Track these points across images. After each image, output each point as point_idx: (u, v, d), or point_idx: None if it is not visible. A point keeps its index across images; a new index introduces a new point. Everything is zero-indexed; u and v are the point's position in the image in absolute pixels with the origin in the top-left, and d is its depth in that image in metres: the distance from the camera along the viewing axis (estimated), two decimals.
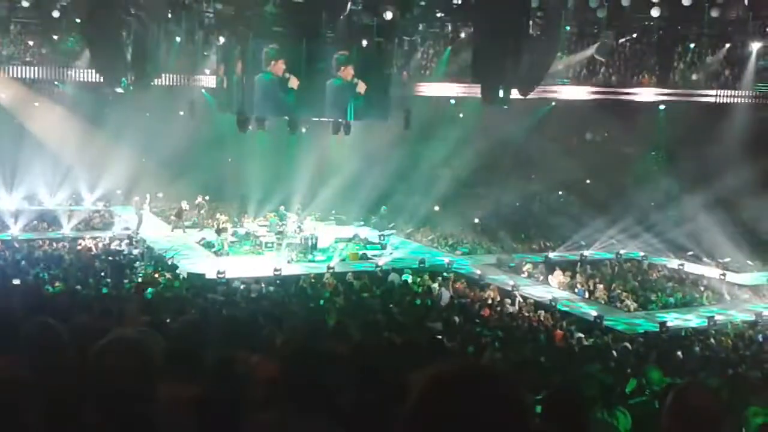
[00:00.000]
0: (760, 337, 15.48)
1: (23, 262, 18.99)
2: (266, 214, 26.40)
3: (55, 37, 26.42)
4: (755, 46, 25.86)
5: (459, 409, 1.54)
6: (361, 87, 20.82)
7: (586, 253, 24.21)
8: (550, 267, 22.23)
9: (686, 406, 2.58)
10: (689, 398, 2.62)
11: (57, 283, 15.92)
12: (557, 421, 3.35)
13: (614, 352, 13.45)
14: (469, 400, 1.55)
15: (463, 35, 26.71)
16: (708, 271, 22.57)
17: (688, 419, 2.55)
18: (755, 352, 14.08)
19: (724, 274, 21.61)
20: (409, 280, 19.80)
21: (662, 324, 16.14)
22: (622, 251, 24.38)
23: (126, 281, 17.67)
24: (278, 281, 18.76)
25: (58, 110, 28.68)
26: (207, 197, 28.12)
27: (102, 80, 24.22)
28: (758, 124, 25.91)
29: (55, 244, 22.05)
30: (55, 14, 24.55)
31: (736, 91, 26.97)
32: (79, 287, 15.40)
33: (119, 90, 24.38)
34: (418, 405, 1.59)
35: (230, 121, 22.80)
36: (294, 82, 19.60)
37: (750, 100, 27.00)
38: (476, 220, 29.45)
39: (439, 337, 12.19)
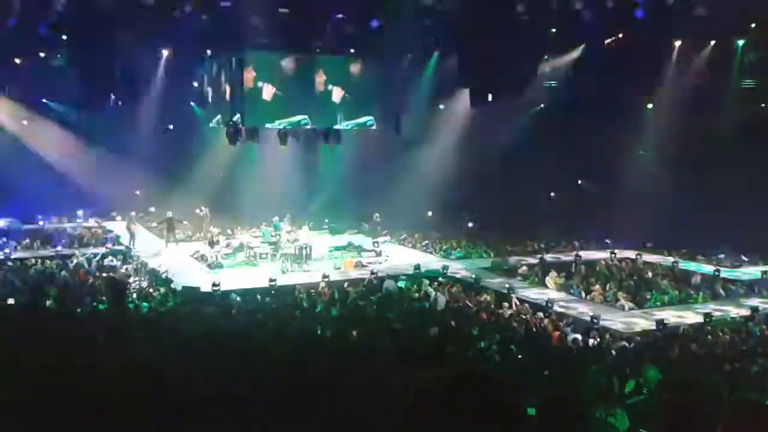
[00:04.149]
0: (756, 332, 15.52)
1: (16, 282, 18.88)
2: (264, 222, 26.31)
3: (43, 54, 26.35)
4: (740, 43, 26.06)
5: (456, 413, 1.55)
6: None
7: (580, 253, 24.26)
8: (545, 269, 22.26)
9: (683, 404, 2.59)
10: (686, 396, 2.63)
11: (50, 302, 15.80)
12: (555, 423, 3.35)
13: (611, 352, 13.47)
14: (467, 404, 1.56)
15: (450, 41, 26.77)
16: (703, 267, 22.68)
17: (685, 417, 2.55)
18: (752, 347, 14.12)
19: (718, 271, 21.68)
20: (405, 287, 19.79)
21: (659, 322, 16.16)
22: (616, 251, 24.45)
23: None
24: (273, 292, 18.72)
25: (48, 127, 28.61)
26: (206, 208, 27.83)
27: (90, 96, 24.24)
28: (745, 120, 26.06)
29: (48, 262, 21.93)
30: (42, 31, 24.50)
31: (723, 88, 27.12)
32: (74, 305, 15.30)
33: (108, 105, 24.42)
34: (416, 410, 1.59)
35: (220, 133, 22.85)
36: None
37: (736, 96, 27.16)
38: (470, 224, 29.48)
39: (436, 342, 12.18)
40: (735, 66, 26.66)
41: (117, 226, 27.73)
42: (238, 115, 20.82)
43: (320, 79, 21.58)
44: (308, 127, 21.33)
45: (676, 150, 26.27)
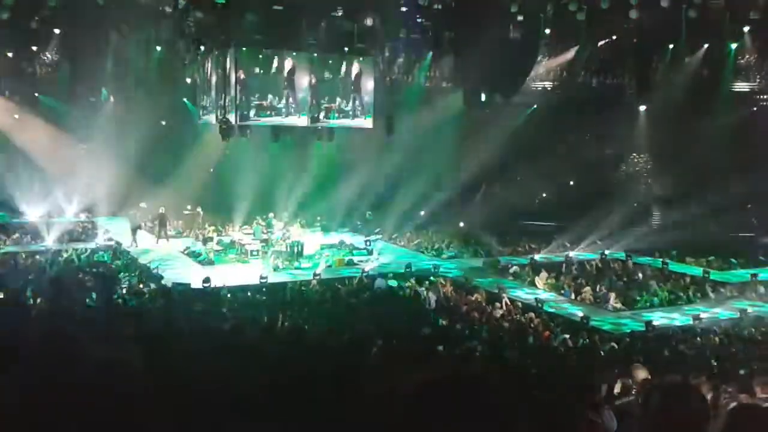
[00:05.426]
0: (745, 334, 15.61)
1: (6, 276, 18.76)
2: (256, 219, 26.25)
3: (35, 48, 26.19)
4: (733, 46, 26.19)
5: (447, 414, 1.54)
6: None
7: (571, 254, 24.32)
8: (536, 269, 22.30)
9: (670, 406, 2.60)
10: (673, 398, 2.64)
11: (39, 297, 15.72)
12: (546, 423, 3.36)
13: (601, 353, 13.52)
14: (458, 405, 1.55)
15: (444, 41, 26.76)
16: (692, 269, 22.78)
17: (672, 419, 2.56)
18: (741, 349, 14.19)
19: (707, 272, 21.76)
20: (396, 286, 19.78)
21: (648, 323, 16.22)
22: (606, 251, 24.52)
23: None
24: (264, 289, 18.68)
25: (39, 122, 28.43)
26: (199, 207, 27.76)
27: (82, 91, 24.14)
28: (738, 122, 26.19)
29: (37, 257, 21.81)
30: (34, 26, 24.36)
31: (716, 90, 27.27)
32: (62, 299, 15.21)
33: (100, 100, 24.34)
34: (407, 411, 1.59)
35: (212, 129, 22.75)
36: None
37: (729, 99, 27.31)
38: (461, 224, 29.49)
39: (427, 341, 12.20)
40: (728, 69, 26.78)
41: (107, 221, 27.62)
42: (226, 111, 20.76)
43: (310, 76, 21.55)
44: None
45: (669, 151, 26.39)
